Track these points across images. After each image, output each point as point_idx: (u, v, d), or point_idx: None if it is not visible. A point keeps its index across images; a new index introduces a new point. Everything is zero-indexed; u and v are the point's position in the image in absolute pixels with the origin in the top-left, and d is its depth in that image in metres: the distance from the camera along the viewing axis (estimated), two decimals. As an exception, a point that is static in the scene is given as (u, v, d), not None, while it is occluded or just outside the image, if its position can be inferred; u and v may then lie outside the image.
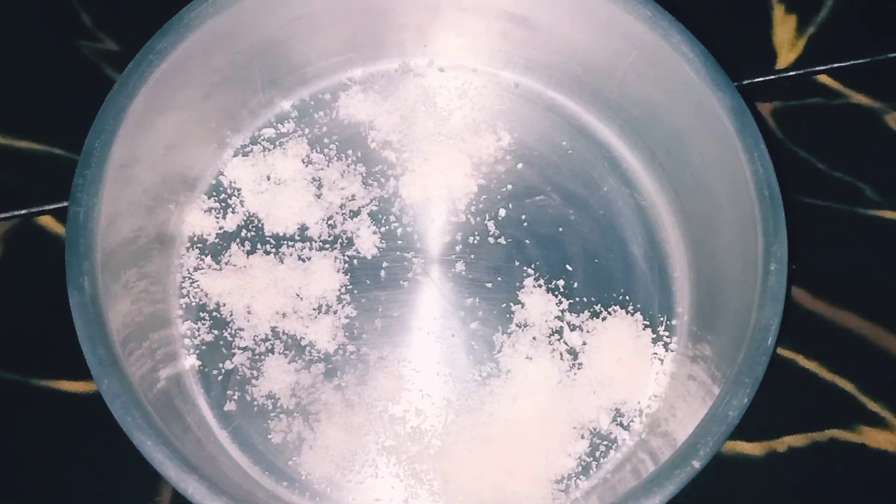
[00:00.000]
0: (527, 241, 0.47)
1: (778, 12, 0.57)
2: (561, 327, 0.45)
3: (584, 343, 0.45)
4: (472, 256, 0.47)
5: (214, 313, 0.45)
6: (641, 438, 0.43)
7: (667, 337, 0.45)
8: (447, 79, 0.51)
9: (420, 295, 0.46)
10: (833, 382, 0.46)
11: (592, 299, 0.46)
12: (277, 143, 0.49)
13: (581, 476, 0.42)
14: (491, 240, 0.47)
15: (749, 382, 0.37)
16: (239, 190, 0.48)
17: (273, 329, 0.44)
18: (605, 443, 0.43)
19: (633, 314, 0.46)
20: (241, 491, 0.38)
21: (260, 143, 0.49)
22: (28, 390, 0.44)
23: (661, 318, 0.46)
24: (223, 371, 0.44)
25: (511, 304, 0.46)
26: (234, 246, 0.46)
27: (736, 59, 0.48)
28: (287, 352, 0.44)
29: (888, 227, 0.50)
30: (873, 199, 0.51)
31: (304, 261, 0.46)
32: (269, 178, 0.48)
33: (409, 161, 0.49)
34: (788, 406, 0.46)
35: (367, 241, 0.47)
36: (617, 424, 0.43)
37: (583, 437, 0.43)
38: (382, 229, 0.47)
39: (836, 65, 0.55)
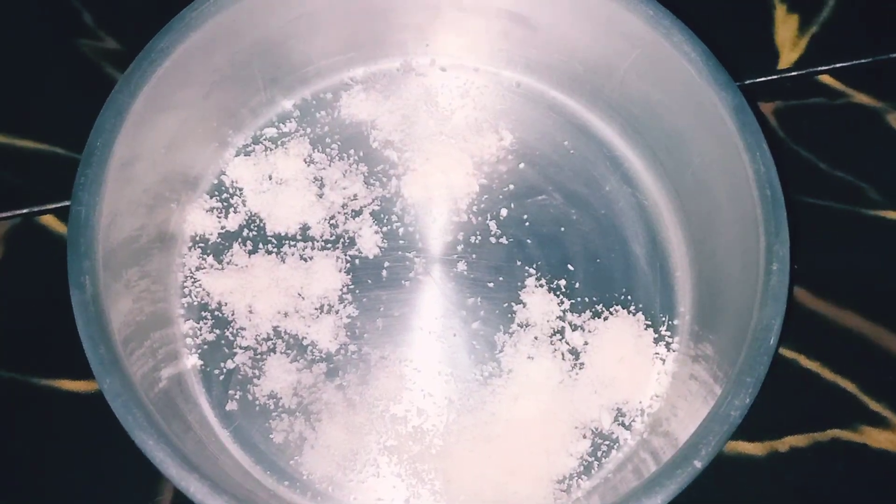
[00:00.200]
0: (528, 241, 0.47)
1: (780, 12, 0.57)
2: (562, 327, 0.45)
3: (586, 343, 0.45)
4: (474, 256, 0.47)
5: (216, 313, 0.45)
6: (643, 438, 0.43)
7: (668, 336, 0.45)
8: (449, 78, 0.51)
9: (422, 294, 0.46)
10: (835, 382, 0.46)
11: (594, 299, 0.46)
12: (279, 142, 0.49)
13: (583, 476, 0.42)
14: (492, 239, 0.47)
15: (751, 382, 0.37)
16: (241, 189, 0.48)
17: (275, 328, 0.44)
18: (607, 442, 0.43)
19: (634, 314, 0.46)
20: (242, 490, 0.38)
21: (261, 143, 0.49)
22: (29, 389, 0.44)
23: (663, 318, 0.46)
24: (225, 370, 0.44)
25: (513, 303, 0.46)
26: (235, 245, 0.46)
27: (737, 58, 0.48)
28: (289, 351, 0.44)
29: (890, 226, 0.50)
30: (875, 199, 0.51)
31: (305, 260, 0.46)
32: (270, 178, 0.48)
33: (410, 160, 0.49)
34: (790, 406, 0.46)
35: (369, 241, 0.47)
36: (618, 424, 0.43)
37: (584, 436, 0.43)
38: (384, 229, 0.47)
39: (837, 64, 0.55)
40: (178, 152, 0.45)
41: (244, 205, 0.48)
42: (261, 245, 0.46)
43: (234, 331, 0.44)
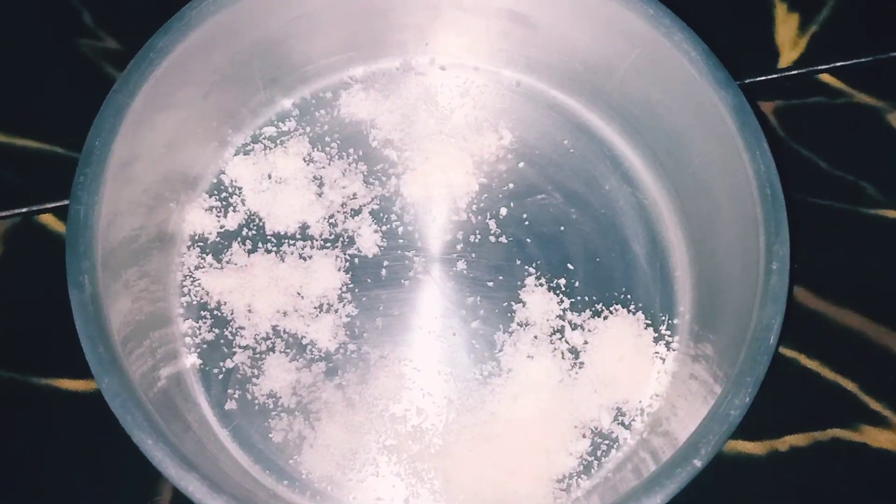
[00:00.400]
0: (528, 240, 0.47)
1: (780, 11, 0.56)
2: (562, 326, 0.45)
3: (586, 342, 0.45)
4: (474, 255, 0.47)
5: (215, 312, 0.45)
6: (643, 437, 0.43)
7: (668, 336, 0.45)
8: (448, 77, 0.51)
9: (421, 294, 0.46)
10: (835, 382, 0.46)
11: (594, 298, 0.46)
12: (278, 141, 0.49)
13: (582, 475, 0.42)
14: (492, 238, 0.47)
15: (751, 381, 0.37)
16: (240, 188, 0.48)
17: (274, 328, 0.44)
18: (607, 442, 0.43)
19: (634, 313, 0.46)
20: (241, 490, 0.38)
21: (261, 142, 0.49)
22: (28, 389, 0.44)
23: (663, 317, 0.46)
24: (224, 370, 0.44)
25: (512, 302, 0.46)
26: (235, 244, 0.46)
27: (738, 58, 0.48)
28: (288, 350, 0.44)
29: (890, 226, 0.50)
30: (875, 198, 0.51)
31: (305, 259, 0.46)
32: (270, 177, 0.48)
33: (410, 160, 0.49)
34: (790, 405, 0.46)
35: (369, 240, 0.47)
36: (618, 423, 0.43)
37: (584, 436, 0.43)
38: (384, 228, 0.47)
39: (838, 64, 0.55)
40: (178, 151, 0.45)
41: (243, 204, 0.48)
42: (260, 244, 0.46)
43: (234, 330, 0.44)
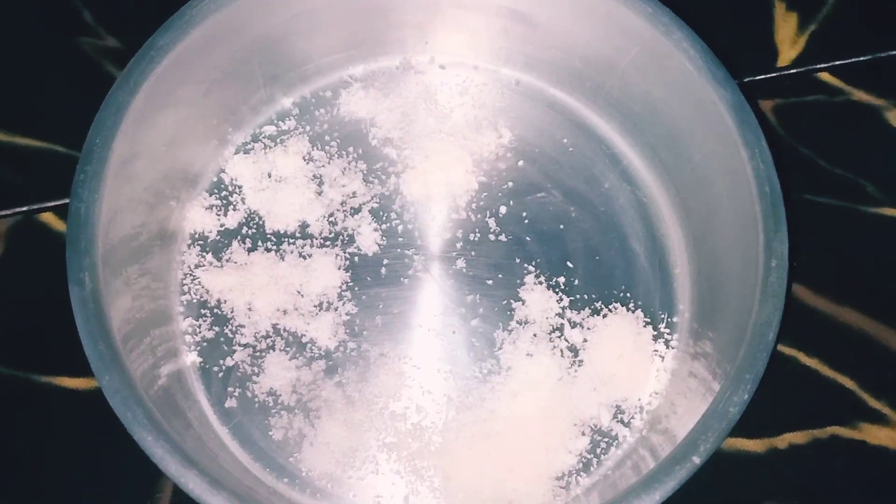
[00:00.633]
0: (527, 238, 0.47)
1: (779, 10, 0.57)
2: (562, 324, 0.45)
3: (585, 340, 0.45)
4: (473, 253, 0.47)
5: (215, 310, 0.45)
6: (642, 435, 0.43)
7: (667, 334, 0.45)
8: (448, 76, 0.51)
9: (421, 292, 0.46)
10: (834, 379, 0.46)
11: (593, 296, 0.46)
12: (278, 140, 0.49)
13: (582, 473, 0.42)
14: (492, 237, 0.47)
15: (749, 378, 0.37)
16: (240, 187, 0.48)
17: (274, 326, 0.44)
18: (606, 439, 0.43)
19: (633, 311, 0.46)
20: (241, 487, 0.38)
21: (261, 141, 0.49)
22: (29, 387, 0.44)
23: (662, 315, 0.46)
24: (224, 368, 0.44)
25: (512, 301, 0.46)
26: (235, 243, 0.46)
27: (737, 56, 0.48)
28: (288, 348, 0.44)
29: (889, 224, 0.50)
30: (874, 196, 0.51)
31: (304, 258, 0.46)
32: (270, 176, 0.48)
33: (410, 158, 0.49)
34: (789, 403, 0.46)
35: (368, 238, 0.47)
36: (617, 421, 0.43)
37: (583, 433, 0.43)
38: (383, 226, 0.47)
39: (837, 62, 0.55)
40: (178, 150, 0.46)
41: (243, 202, 0.48)
42: (260, 242, 0.47)
43: (234, 328, 0.45)
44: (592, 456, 0.43)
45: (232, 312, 0.45)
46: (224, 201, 0.48)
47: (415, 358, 0.44)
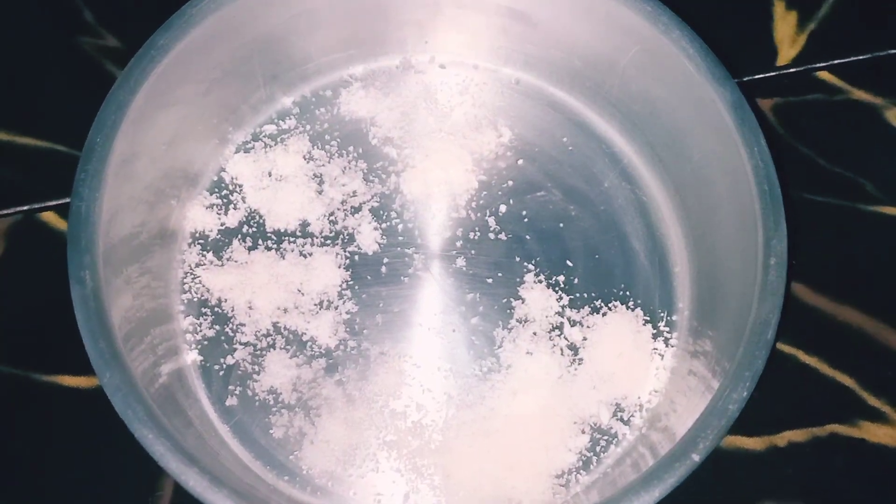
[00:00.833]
0: (527, 237, 0.47)
1: (779, 9, 0.57)
2: (561, 323, 0.45)
3: (585, 338, 0.45)
4: (473, 252, 0.47)
5: (216, 309, 0.45)
6: (642, 433, 0.43)
7: (667, 332, 0.45)
8: (448, 75, 0.52)
9: (421, 290, 0.46)
10: (833, 377, 0.46)
11: (593, 295, 0.46)
12: (279, 139, 0.49)
13: (581, 471, 0.42)
14: (491, 235, 0.48)
15: (748, 376, 0.37)
16: (240, 186, 0.48)
17: (274, 324, 0.45)
18: (606, 437, 0.43)
19: (633, 309, 0.46)
20: (242, 485, 0.38)
21: (261, 140, 0.49)
22: (30, 385, 0.45)
23: (662, 314, 0.46)
24: (224, 366, 0.44)
25: (511, 299, 0.46)
26: (235, 242, 0.47)
27: (736, 55, 0.49)
28: (288, 347, 0.44)
29: (888, 222, 0.50)
30: (874, 195, 0.51)
31: (305, 256, 0.46)
32: (270, 175, 0.48)
33: (410, 157, 0.49)
34: (789, 401, 0.46)
35: (368, 237, 0.47)
36: (617, 419, 0.43)
37: (583, 431, 0.43)
38: (383, 225, 0.48)
39: (836, 61, 0.55)
40: (179, 149, 0.46)
41: (244, 201, 0.48)
42: (260, 241, 0.47)
43: (234, 327, 0.45)
44: (592, 454, 0.43)
45: (232, 311, 0.45)
46: (224, 200, 0.48)
47: (415, 356, 0.44)
